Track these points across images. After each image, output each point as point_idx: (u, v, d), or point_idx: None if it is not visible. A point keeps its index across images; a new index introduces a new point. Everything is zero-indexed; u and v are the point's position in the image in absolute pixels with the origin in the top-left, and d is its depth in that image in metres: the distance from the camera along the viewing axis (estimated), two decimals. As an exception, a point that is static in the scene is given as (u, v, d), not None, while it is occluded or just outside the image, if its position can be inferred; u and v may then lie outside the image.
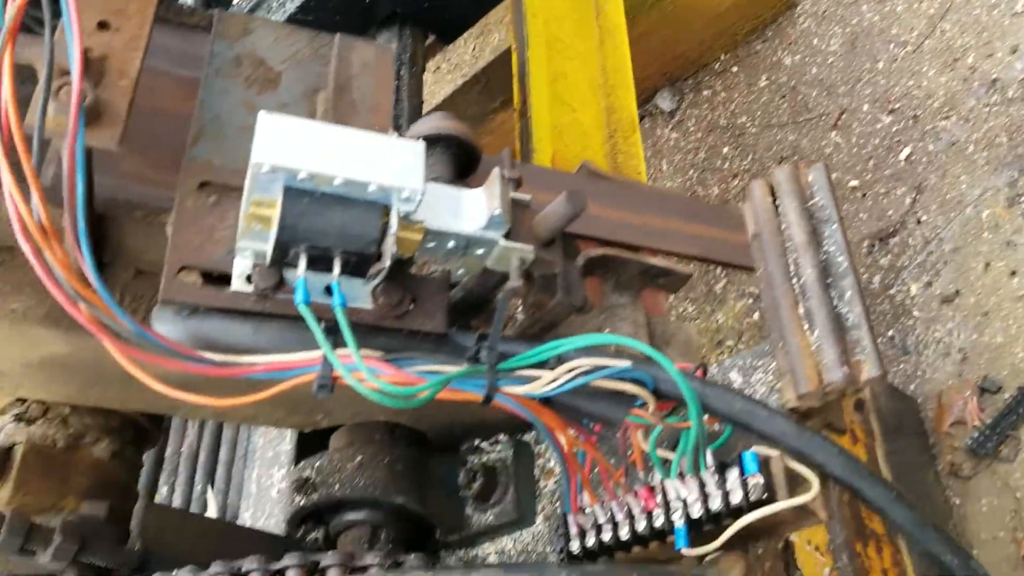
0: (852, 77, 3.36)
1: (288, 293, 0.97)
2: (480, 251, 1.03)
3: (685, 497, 1.10)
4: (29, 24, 0.91)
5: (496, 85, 3.20)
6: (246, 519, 1.86)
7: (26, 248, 0.84)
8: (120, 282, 1.19)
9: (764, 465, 1.06)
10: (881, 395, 2.50)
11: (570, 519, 1.22)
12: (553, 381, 1.01)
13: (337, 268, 0.94)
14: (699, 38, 3.64)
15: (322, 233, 0.92)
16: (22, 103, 0.87)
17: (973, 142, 2.96)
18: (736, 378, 1.20)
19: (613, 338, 1.07)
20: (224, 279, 0.98)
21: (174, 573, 1.11)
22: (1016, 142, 2.87)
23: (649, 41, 3.42)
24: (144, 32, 1.01)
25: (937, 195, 2.95)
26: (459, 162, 1.21)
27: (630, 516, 1.15)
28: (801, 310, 1.06)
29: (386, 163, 0.92)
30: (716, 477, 1.08)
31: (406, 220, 0.95)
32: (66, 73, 0.88)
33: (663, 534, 1.13)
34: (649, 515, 1.13)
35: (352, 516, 1.39)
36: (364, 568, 1.03)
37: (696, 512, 1.09)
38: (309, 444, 1.59)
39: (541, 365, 1.03)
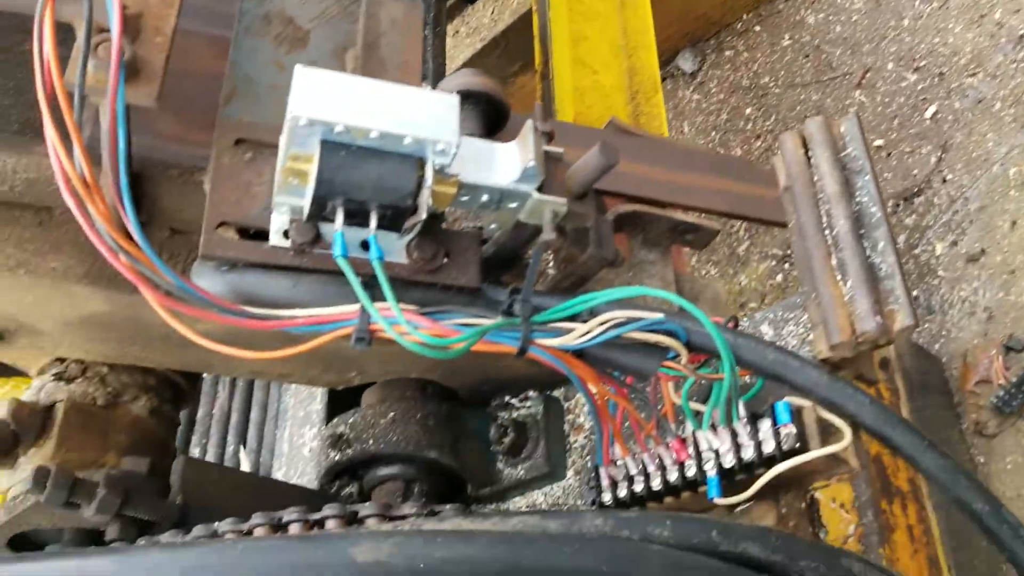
0: (876, 35, 3.32)
1: (325, 248, 0.98)
2: (513, 204, 1.04)
3: (717, 448, 1.11)
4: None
5: (515, 48, 3.19)
6: (279, 477, 1.89)
7: (70, 202, 0.85)
8: (156, 241, 1.20)
9: (796, 415, 1.07)
10: (906, 354, 2.49)
11: (602, 471, 1.24)
12: (587, 333, 1.02)
13: (374, 222, 0.95)
14: (720, -2, 3.61)
15: (359, 187, 0.92)
16: (60, 62, 0.89)
17: (1000, 99, 2.92)
18: (767, 331, 1.20)
19: (646, 290, 1.08)
20: (262, 235, 1.00)
21: (215, 525, 1.14)
22: (1044, 98, 2.83)
23: (670, 2, 3.39)
24: (178, -11, 1.01)
25: (963, 153, 2.92)
26: (488, 119, 1.21)
27: (662, 467, 1.17)
28: (834, 261, 1.06)
29: (421, 116, 0.93)
30: (748, 428, 1.09)
31: (441, 173, 0.96)
32: (103, 30, 0.89)
33: (695, 484, 1.15)
34: (681, 466, 1.15)
35: (385, 471, 1.41)
36: (402, 516, 1.05)
37: (728, 462, 1.10)
38: (339, 404, 1.61)
39: (574, 318, 1.04)
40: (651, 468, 1.18)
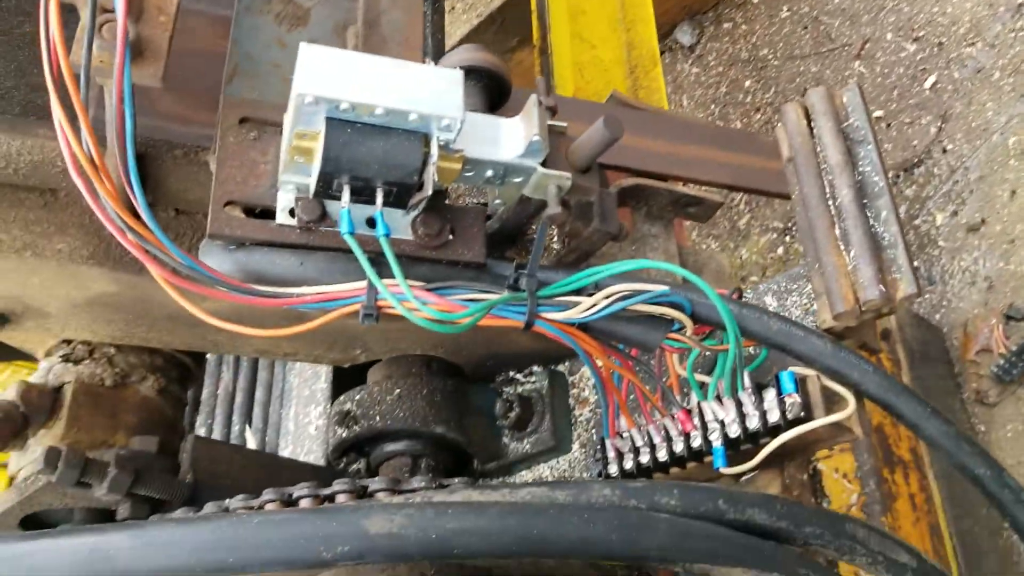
0: (875, 5, 3.30)
1: (331, 225, 0.99)
2: (518, 179, 1.04)
3: (722, 418, 1.13)
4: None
5: (512, 24, 3.17)
6: (286, 456, 1.90)
7: (78, 182, 0.86)
8: (162, 221, 1.21)
9: (801, 385, 1.08)
10: (907, 325, 2.51)
11: (608, 443, 1.25)
12: (592, 306, 1.02)
13: (380, 199, 0.95)
14: (719, -31, 3.59)
15: (364, 163, 0.93)
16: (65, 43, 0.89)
17: (999, 68, 2.92)
18: (771, 302, 1.21)
19: (650, 263, 1.09)
20: (268, 213, 1.00)
21: (226, 502, 1.15)
22: (1044, 67, 2.83)
23: (668, -26, 3.38)
24: (179, -32, 1.01)
25: (963, 123, 2.92)
26: (491, 94, 1.21)
27: (667, 439, 1.18)
28: (837, 231, 1.07)
29: (425, 92, 0.93)
30: (753, 398, 1.10)
31: (446, 149, 0.96)
32: (107, 11, 0.89)
33: (700, 455, 1.16)
34: (687, 437, 1.16)
35: (393, 447, 1.43)
36: (412, 490, 1.06)
37: (734, 432, 1.11)
38: (344, 383, 1.62)
39: (579, 292, 1.04)
40: (657, 440, 1.19)
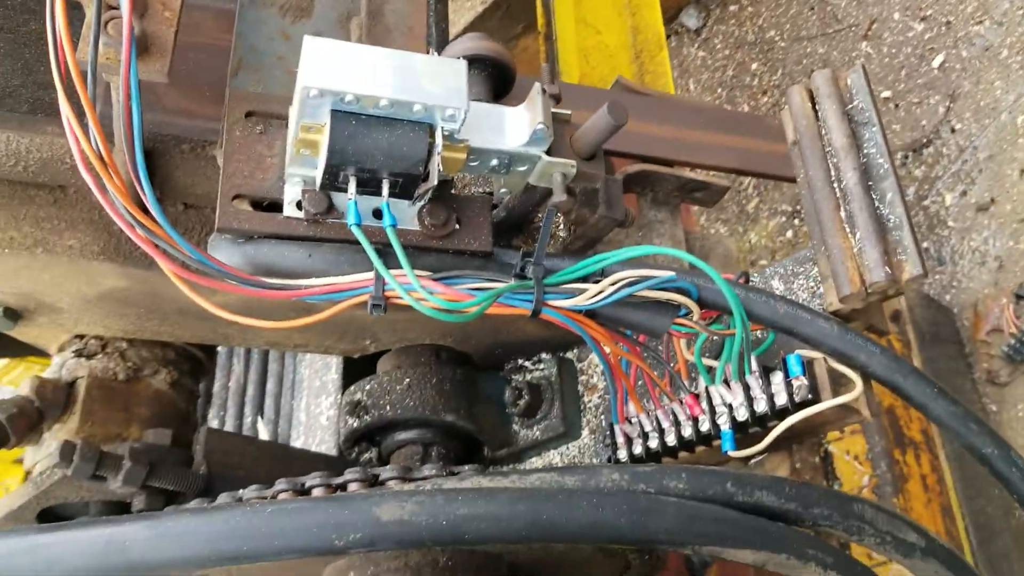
0: (882, -16, 3.28)
1: (338, 217, 0.99)
2: (523, 168, 1.05)
3: (730, 402, 1.13)
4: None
5: (517, 10, 3.16)
6: (298, 446, 1.92)
7: (87, 178, 0.86)
8: (171, 216, 1.21)
9: (808, 367, 1.09)
10: (917, 306, 2.50)
11: (617, 429, 1.26)
12: (599, 293, 1.03)
13: (386, 189, 0.96)
14: (724, -49, 3.57)
15: (370, 155, 0.93)
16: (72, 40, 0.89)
17: (1007, 46, 2.90)
18: (778, 285, 1.21)
19: (657, 249, 1.09)
20: (276, 206, 1.01)
21: (240, 492, 1.16)
22: (1053, 44, 2.81)
23: (672, -43, 3.36)
24: (183, -37, 1.01)
25: (971, 102, 2.91)
26: (495, 83, 1.21)
27: (676, 423, 1.19)
28: (842, 214, 1.07)
29: (429, 83, 0.93)
30: (761, 381, 1.11)
31: (450, 139, 0.96)
32: (112, 8, 0.90)
33: (709, 439, 1.16)
34: (695, 421, 1.17)
35: (403, 435, 1.43)
36: (423, 478, 1.07)
37: (742, 415, 1.12)
38: (355, 373, 1.63)
39: (585, 279, 1.05)
40: (665, 424, 1.20)
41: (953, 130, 2.92)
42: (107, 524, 0.86)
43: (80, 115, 0.85)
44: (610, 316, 1.06)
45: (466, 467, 1.14)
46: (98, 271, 1.21)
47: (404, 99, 0.92)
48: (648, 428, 1.22)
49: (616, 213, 1.14)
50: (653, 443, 1.21)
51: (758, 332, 1.19)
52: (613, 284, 1.03)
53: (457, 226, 1.05)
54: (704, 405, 1.16)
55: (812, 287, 1.19)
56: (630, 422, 1.25)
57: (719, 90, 3.56)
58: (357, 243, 0.96)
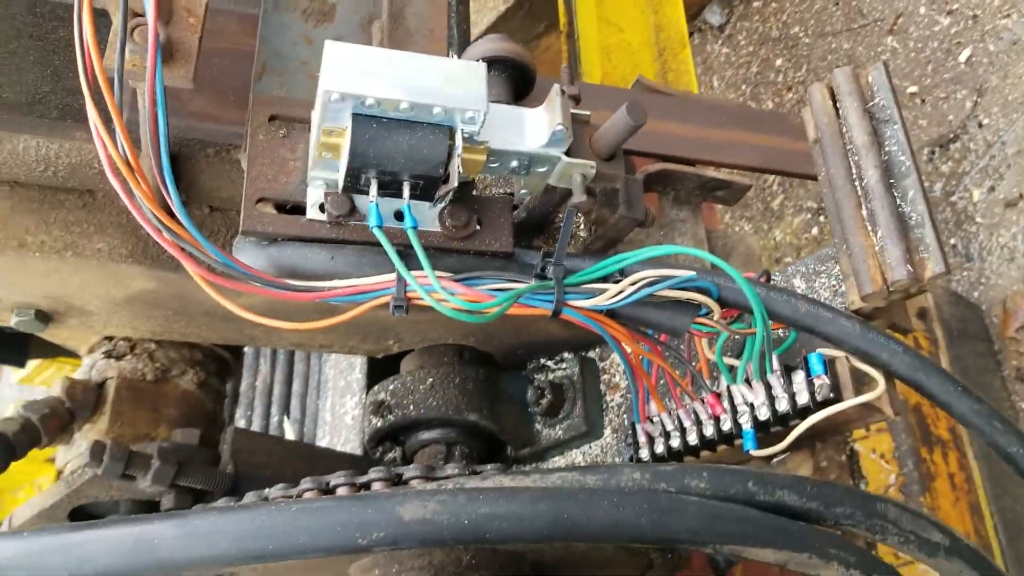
0: (908, -21, 3.25)
1: (360, 219, 1.01)
2: (542, 169, 1.05)
3: (752, 401, 1.13)
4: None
5: (539, 9, 3.17)
6: (323, 446, 1.94)
7: (115, 183, 0.88)
8: (196, 219, 1.23)
9: (830, 366, 1.08)
10: (944, 303, 2.48)
11: (638, 428, 1.26)
12: (619, 293, 1.03)
13: (407, 192, 0.97)
14: (747, -53, 3.55)
15: (391, 158, 0.94)
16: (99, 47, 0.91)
17: (1036, 39, 2.86)
18: (799, 284, 1.21)
19: (677, 248, 1.09)
20: (299, 209, 1.02)
21: (266, 491, 1.18)
22: (1082, 36, 2.76)
23: (695, -45, 3.35)
24: (207, -31, 1.03)
25: (999, 96, 2.87)
26: (515, 84, 1.22)
27: (698, 422, 1.19)
28: (864, 212, 1.07)
29: (449, 86, 0.94)
30: (782, 380, 1.10)
31: (470, 141, 0.97)
32: (138, 15, 0.92)
33: (731, 438, 1.16)
34: (716, 420, 1.17)
35: (427, 435, 1.45)
36: (446, 477, 1.08)
37: (763, 415, 1.12)
38: (378, 373, 1.64)
39: (606, 279, 1.05)
40: (687, 423, 1.20)
41: (980, 125, 2.88)
42: (136, 523, 0.88)
43: (107, 121, 0.86)
44: (631, 316, 1.07)
45: (488, 466, 1.15)
46: (126, 274, 1.23)
47: (424, 102, 0.93)
48: (670, 427, 1.22)
49: (636, 213, 1.14)
50: (675, 442, 1.21)
51: (780, 331, 1.19)
52: (633, 284, 1.03)
53: (478, 227, 1.06)
54: (725, 404, 1.16)
55: (834, 285, 1.19)
56: (652, 421, 1.25)
57: (743, 87, 3.55)
58: (379, 245, 0.97)
